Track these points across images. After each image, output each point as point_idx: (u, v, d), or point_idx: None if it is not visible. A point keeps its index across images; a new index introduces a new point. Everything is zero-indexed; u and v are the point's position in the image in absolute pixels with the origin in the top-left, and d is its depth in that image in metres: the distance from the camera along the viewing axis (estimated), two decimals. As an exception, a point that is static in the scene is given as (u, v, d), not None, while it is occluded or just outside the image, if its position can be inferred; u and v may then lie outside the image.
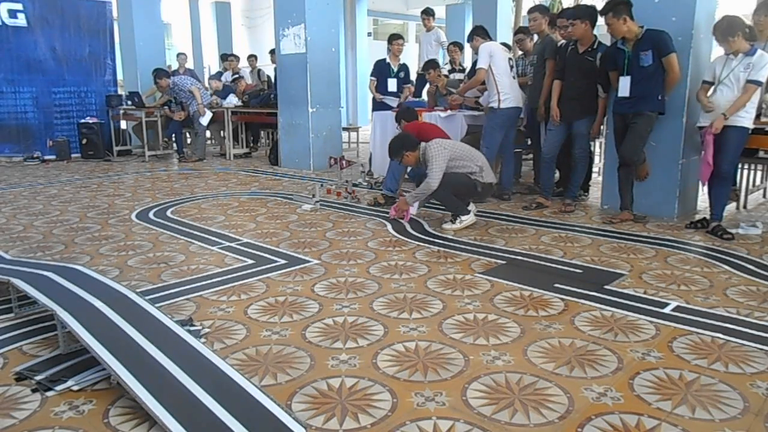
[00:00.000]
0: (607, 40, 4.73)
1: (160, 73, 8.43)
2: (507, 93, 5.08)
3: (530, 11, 5.63)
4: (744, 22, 4.03)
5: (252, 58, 10.30)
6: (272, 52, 9.44)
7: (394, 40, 7.38)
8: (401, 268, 3.43)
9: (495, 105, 5.12)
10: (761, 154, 4.79)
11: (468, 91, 5.83)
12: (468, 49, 9.41)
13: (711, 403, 1.96)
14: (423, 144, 4.37)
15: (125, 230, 4.38)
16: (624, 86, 4.33)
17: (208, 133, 9.96)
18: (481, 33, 5.52)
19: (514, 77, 5.20)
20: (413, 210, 4.64)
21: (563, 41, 5.06)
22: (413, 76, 8.04)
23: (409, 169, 5.19)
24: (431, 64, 6.64)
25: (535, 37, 5.63)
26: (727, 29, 3.94)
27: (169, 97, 8.61)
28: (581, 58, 4.69)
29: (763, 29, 4.49)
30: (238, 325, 2.62)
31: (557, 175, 5.55)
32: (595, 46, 4.68)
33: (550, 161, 5.02)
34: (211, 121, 8.67)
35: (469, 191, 4.34)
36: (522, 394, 2.01)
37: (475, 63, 6.04)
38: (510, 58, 5.22)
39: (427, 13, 8.58)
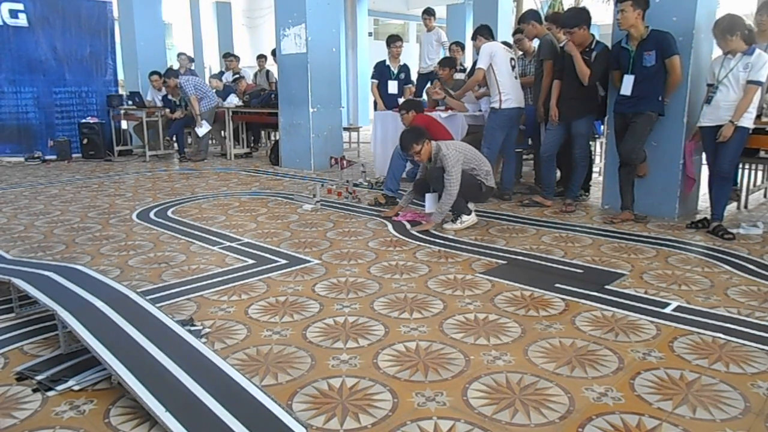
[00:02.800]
0: (607, 40, 4.73)
1: (169, 73, 8.48)
2: (508, 93, 5.07)
3: (519, 21, 5.70)
4: (745, 23, 4.02)
5: (262, 58, 10.21)
6: (273, 53, 9.43)
7: (393, 42, 7.37)
8: (402, 268, 3.43)
9: (496, 105, 5.11)
10: (762, 154, 4.79)
11: (465, 96, 5.84)
12: (469, 50, 9.44)
13: (712, 403, 1.96)
14: (435, 143, 4.30)
15: (126, 230, 4.38)
16: (627, 85, 4.33)
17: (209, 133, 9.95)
18: (485, 33, 5.51)
19: (516, 78, 5.20)
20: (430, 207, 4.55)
21: (564, 41, 5.05)
22: (414, 77, 8.04)
23: (408, 167, 5.21)
24: (448, 63, 6.59)
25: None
26: (727, 27, 3.93)
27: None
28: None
29: (765, 29, 4.49)
30: (239, 325, 2.62)
31: (558, 175, 5.55)
32: (592, 46, 4.68)
33: (548, 160, 5.02)
34: (213, 120, 8.67)
35: (473, 192, 4.33)
36: (523, 394, 2.01)
37: (475, 63, 6.03)
38: (512, 58, 5.21)
39: (428, 13, 8.57)
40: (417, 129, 4.41)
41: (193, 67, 10.52)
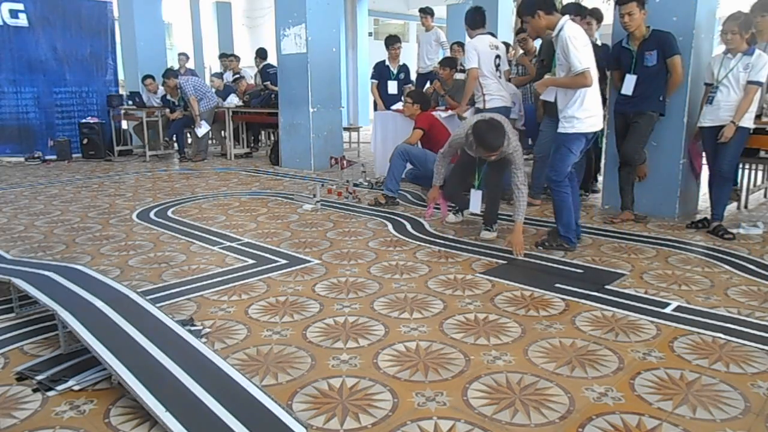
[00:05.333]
0: (607, 40, 4.73)
1: (168, 73, 8.47)
2: (492, 94, 4.97)
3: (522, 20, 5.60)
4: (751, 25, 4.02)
5: (256, 58, 10.08)
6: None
7: (392, 44, 7.37)
8: (402, 268, 3.43)
9: (480, 105, 5.03)
10: (762, 154, 4.80)
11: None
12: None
13: (712, 403, 1.96)
14: None
15: (126, 230, 4.38)
16: (628, 85, 4.33)
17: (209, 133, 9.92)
18: (470, 21, 5.10)
19: (499, 76, 5.05)
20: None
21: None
22: (413, 76, 8.03)
23: (408, 167, 5.20)
24: (449, 63, 6.55)
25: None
26: (745, 24, 3.93)
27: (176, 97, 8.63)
28: None
29: (762, 29, 4.49)
30: (239, 324, 2.62)
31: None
32: None
33: (542, 161, 5.01)
34: (213, 120, 8.68)
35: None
36: (523, 394, 2.01)
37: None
38: (498, 56, 5.03)
39: (425, 11, 8.45)
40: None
41: (192, 67, 10.46)
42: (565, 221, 3.72)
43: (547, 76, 4.09)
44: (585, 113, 3.57)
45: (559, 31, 3.50)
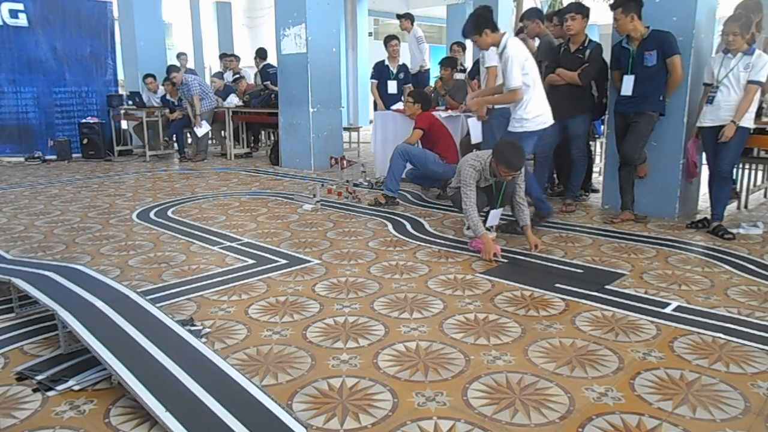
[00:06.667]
0: (608, 41, 4.73)
1: (171, 69, 8.46)
2: None
3: (522, 18, 5.59)
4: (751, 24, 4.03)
5: (256, 58, 10.04)
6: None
7: (389, 41, 7.38)
8: (402, 268, 3.43)
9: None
10: (762, 154, 4.79)
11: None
12: (469, 51, 9.41)
13: (712, 403, 1.96)
14: None
15: (126, 230, 4.38)
16: (627, 85, 4.33)
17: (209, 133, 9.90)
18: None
19: None
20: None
21: (560, 41, 5.04)
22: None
23: (408, 167, 5.20)
24: (449, 63, 6.52)
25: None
26: (746, 25, 3.93)
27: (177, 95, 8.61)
28: (573, 57, 4.69)
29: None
30: (239, 324, 2.62)
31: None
32: (585, 44, 4.68)
33: (543, 161, 5.00)
34: (212, 120, 8.68)
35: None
36: (523, 394, 2.01)
37: (476, 62, 6.01)
38: None
39: (400, 17, 8.49)
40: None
41: (192, 66, 10.45)
42: None
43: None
44: (531, 114, 4.06)
45: (504, 48, 3.96)
